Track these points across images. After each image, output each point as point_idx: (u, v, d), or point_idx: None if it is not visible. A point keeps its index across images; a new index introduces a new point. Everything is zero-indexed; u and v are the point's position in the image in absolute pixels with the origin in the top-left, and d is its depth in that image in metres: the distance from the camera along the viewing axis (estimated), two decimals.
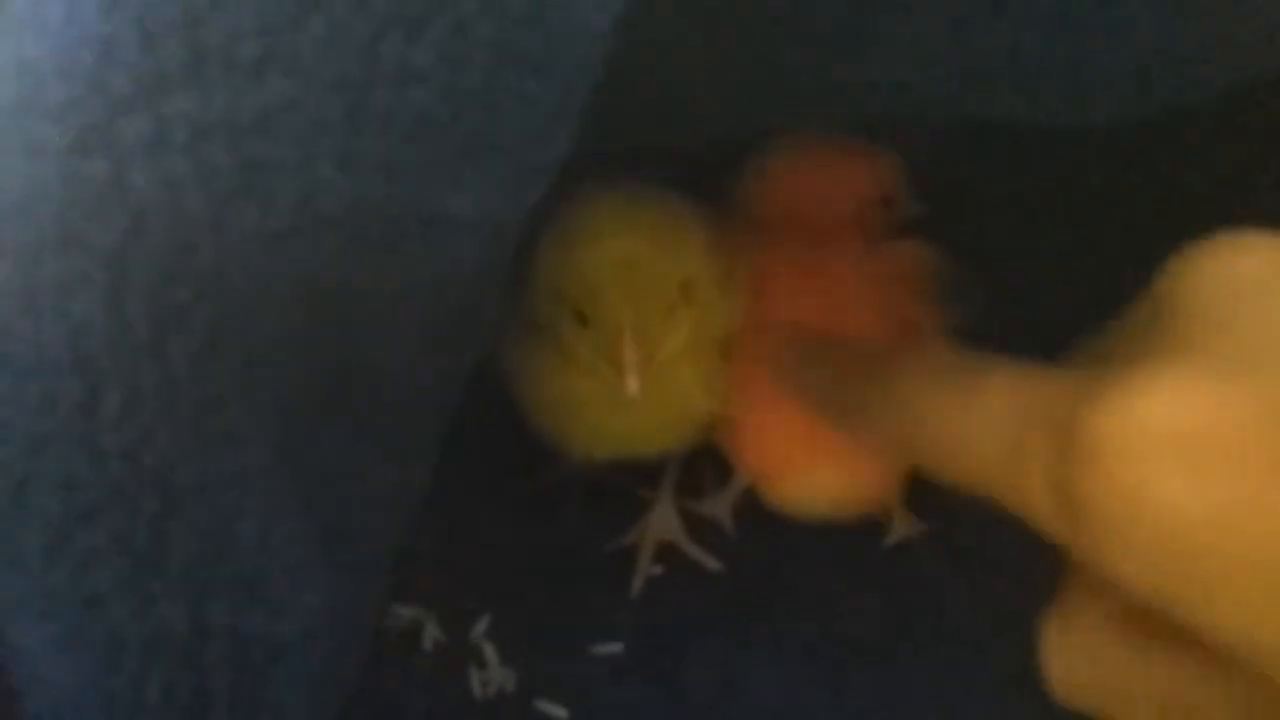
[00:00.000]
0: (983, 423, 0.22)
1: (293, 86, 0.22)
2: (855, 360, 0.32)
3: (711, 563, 0.43)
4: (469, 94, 0.24)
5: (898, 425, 0.26)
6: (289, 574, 0.29)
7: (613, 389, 0.36)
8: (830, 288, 0.40)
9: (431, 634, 0.41)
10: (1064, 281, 0.42)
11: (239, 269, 0.24)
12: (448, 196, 0.25)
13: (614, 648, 0.41)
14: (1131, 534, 0.19)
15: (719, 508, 0.45)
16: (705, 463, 0.45)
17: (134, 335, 0.24)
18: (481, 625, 0.41)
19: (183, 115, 0.22)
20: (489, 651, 0.41)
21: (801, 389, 0.36)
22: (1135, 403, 0.19)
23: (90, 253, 0.23)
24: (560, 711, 0.39)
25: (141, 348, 0.24)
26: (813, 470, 0.40)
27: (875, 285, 0.40)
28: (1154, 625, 0.21)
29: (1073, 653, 0.23)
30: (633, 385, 0.36)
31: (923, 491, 0.43)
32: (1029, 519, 0.21)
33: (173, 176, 0.23)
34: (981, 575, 0.42)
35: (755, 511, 0.43)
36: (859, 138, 0.42)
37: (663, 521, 0.44)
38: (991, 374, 0.23)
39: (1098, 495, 0.19)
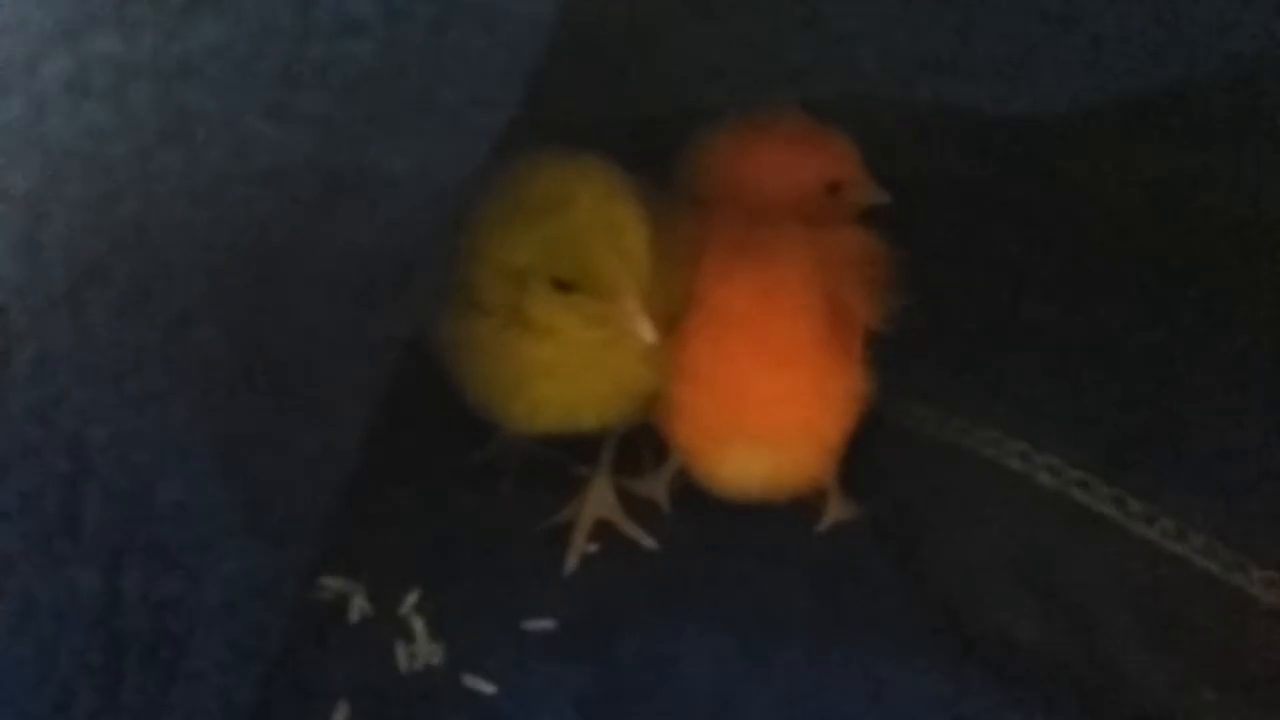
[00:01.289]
0: None
1: (224, 31, 0.21)
2: None
3: (647, 541, 0.43)
4: (411, 49, 0.23)
5: None
6: (208, 541, 0.28)
7: (586, 354, 0.37)
8: (765, 269, 0.40)
9: (359, 606, 0.40)
10: (1012, 271, 0.43)
11: (162, 222, 0.23)
12: (386, 156, 0.25)
13: (545, 624, 0.40)
14: None
15: (654, 487, 0.45)
16: (643, 442, 0.45)
17: (50, 287, 0.23)
18: (411, 599, 0.41)
19: (106, 57, 0.21)
20: (417, 625, 0.40)
21: None
22: None
23: (4, 199, 0.22)
24: (488, 687, 0.38)
25: (58, 301, 0.23)
26: (745, 450, 0.40)
27: (812, 270, 0.40)
28: None
29: None
30: (648, 332, 0.36)
31: (858, 474, 0.43)
32: None
33: (94, 122, 0.22)
34: (912, 556, 0.42)
35: (691, 492, 0.43)
36: (811, 118, 0.42)
37: (600, 499, 0.44)
38: None
39: None
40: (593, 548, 0.43)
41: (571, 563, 0.42)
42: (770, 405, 0.40)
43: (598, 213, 0.37)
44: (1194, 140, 0.37)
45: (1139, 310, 0.42)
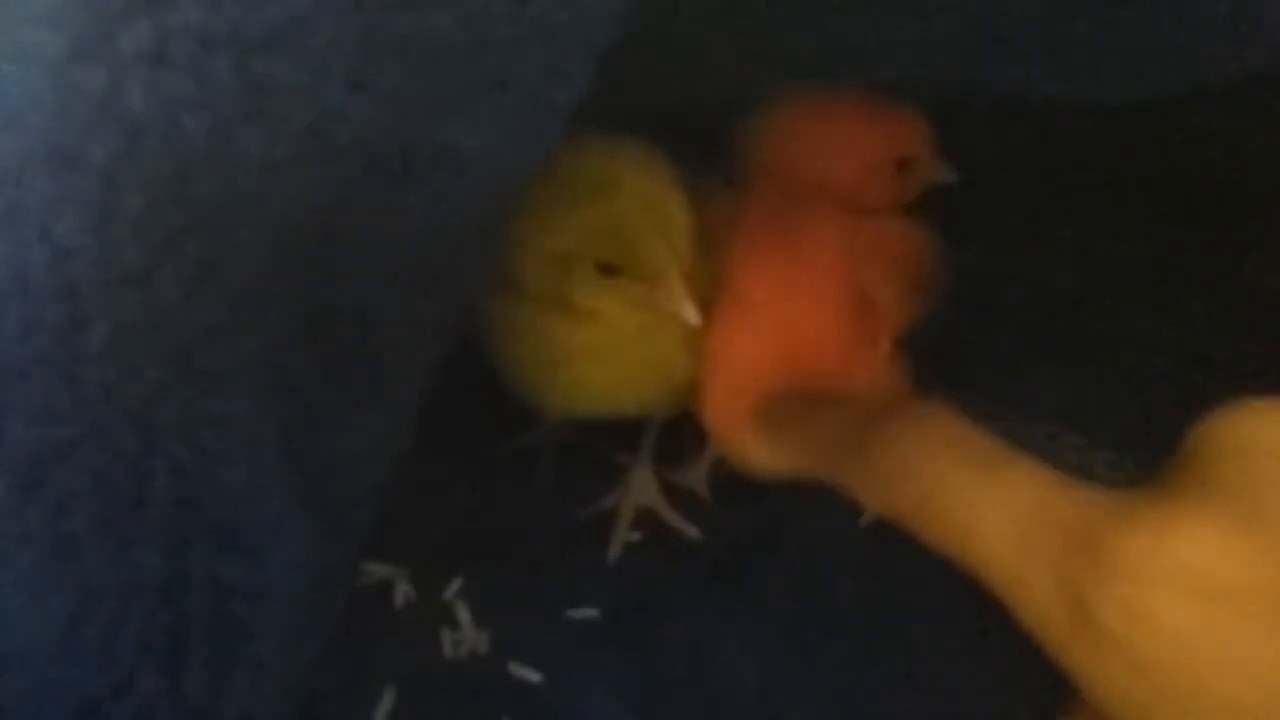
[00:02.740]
0: (1000, 507, 0.23)
1: (306, 2, 0.21)
2: (853, 418, 0.31)
3: (691, 530, 0.43)
4: (493, 22, 0.22)
5: (902, 491, 0.26)
6: (271, 523, 0.27)
7: (627, 338, 0.37)
8: (791, 258, 0.39)
9: (404, 592, 0.40)
10: (1075, 262, 0.42)
11: (237, 198, 0.23)
12: (462, 133, 0.24)
13: (589, 613, 0.40)
14: (1129, 652, 0.20)
15: (693, 476, 0.44)
16: (684, 430, 0.44)
17: (123, 262, 0.22)
18: (455, 585, 0.40)
19: (186, 27, 0.21)
20: (462, 612, 0.40)
21: (788, 443, 0.35)
22: (1161, 534, 0.20)
23: (80, 171, 0.22)
24: (533, 675, 0.38)
25: (130, 276, 0.23)
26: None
27: (840, 260, 0.39)
28: None
29: None
30: (692, 314, 0.36)
31: None
32: (1023, 612, 0.22)
33: (172, 94, 0.21)
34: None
35: (734, 481, 0.43)
36: (879, 98, 0.40)
37: (642, 487, 0.44)
38: (1014, 464, 0.24)
39: (1107, 607, 0.20)
40: (635, 536, 0.43)
41: (615, 551, 0.42)
42: None
43: (641, 197, 0.37)
44: (1261, 128, 0.37)
45: (1169, 294, 0.42)
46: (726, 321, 0.39)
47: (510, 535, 0.42)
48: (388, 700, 0.37)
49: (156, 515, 0.25)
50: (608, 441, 0.44)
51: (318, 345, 0.28)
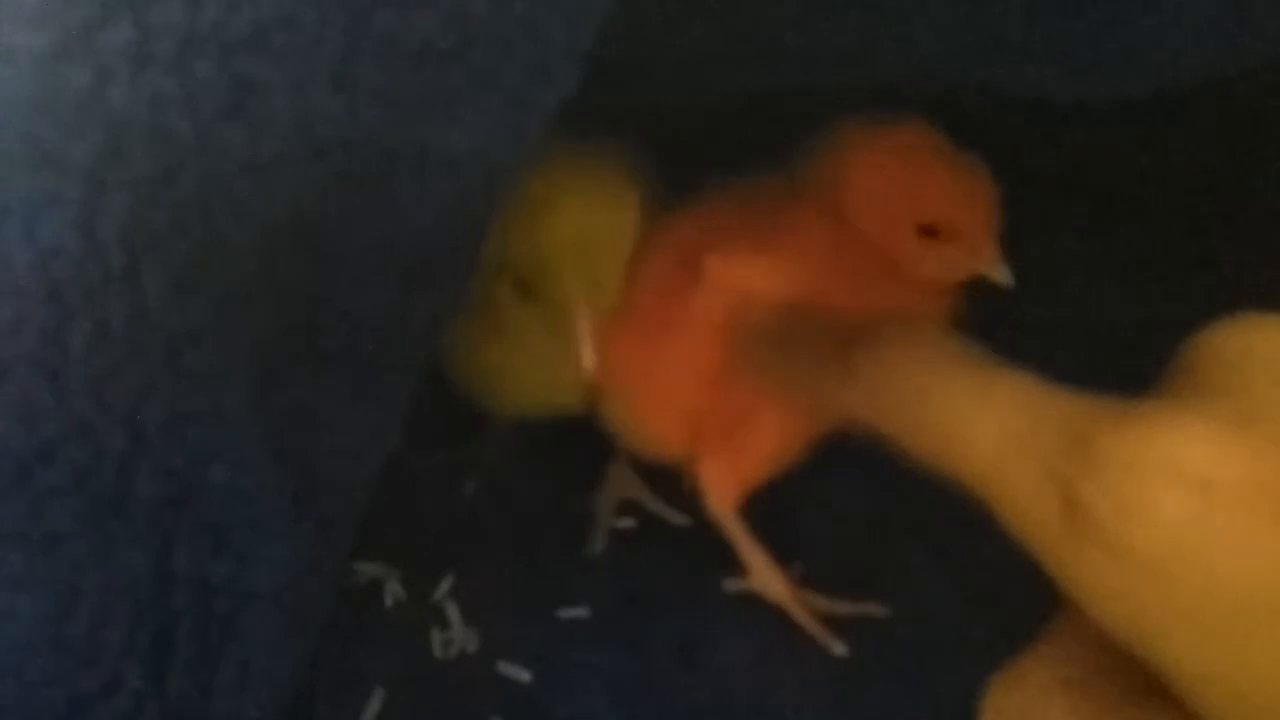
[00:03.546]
0: (989, 412, 0.23)
1: (289, 1, 0.21)
2: (844, 332, 0.31)
3: (676, 518, 0.43)
4: (476, 21, 0.22)
5: (889, 401, 0.26)
6: (258, 522, 0.27)
7: (549, 361, 0.36)
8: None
9: (393, 592, 0.40)
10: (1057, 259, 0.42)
11: (222, 197, 0.23)
12: (446, 133, 0.24)
13: (579, 612, 0.40)
14: (1121, 548, 0.19)
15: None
16: None
17: (107, 262, 0.22)
18: (445, 585, 0.40)
19: (169, 26, 0.21)
20: (452, 611, 0.40)
21: (775, 362, 0.35)
22: (1155, 428, 0.20)
23: (64, 171, 0.22)
24: (524, 674, 0.38)
25: (115, 276, 0.23)
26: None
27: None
28: (1103, 693, 0.21)
29: (1011, 714, 0.23)
30: (590, 359, 0.35)
31: (897, 469, 0.43)
32: (1012, 519, 0.22)
33: (156, 93, 0.21)
34: (954, 550, 0.41)
35: None
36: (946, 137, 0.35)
37: (620, 478, 0.43)
38: (1007, 372, 0.23)
39: (1099, 500, 0.20)
40: (629, 523, 0.42)
41: (597, 543, 0.42)
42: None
43: (574, 227, 0.36)
44: (1252, 131, 0.37)
45: (1165, 292, 0.42)
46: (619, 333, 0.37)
47: (498, 533, 0.42)
48: (376, 700, 0.37)
49: (142, 514, 0.25)
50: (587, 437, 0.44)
51: (305, 345, 0.28)
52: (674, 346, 0.37)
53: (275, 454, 0.28)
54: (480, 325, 0.38)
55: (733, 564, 0.41)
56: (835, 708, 0.39)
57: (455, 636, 0.39)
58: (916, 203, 0.35)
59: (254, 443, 0.27)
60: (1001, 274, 0.36)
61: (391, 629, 0.39)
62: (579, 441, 0.40)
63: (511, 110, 0.25)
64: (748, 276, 0.36)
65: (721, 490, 0.39)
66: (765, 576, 0.40)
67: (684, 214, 0.38)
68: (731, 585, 0.41)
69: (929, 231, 0.35)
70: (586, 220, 0.36)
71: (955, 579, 0.41)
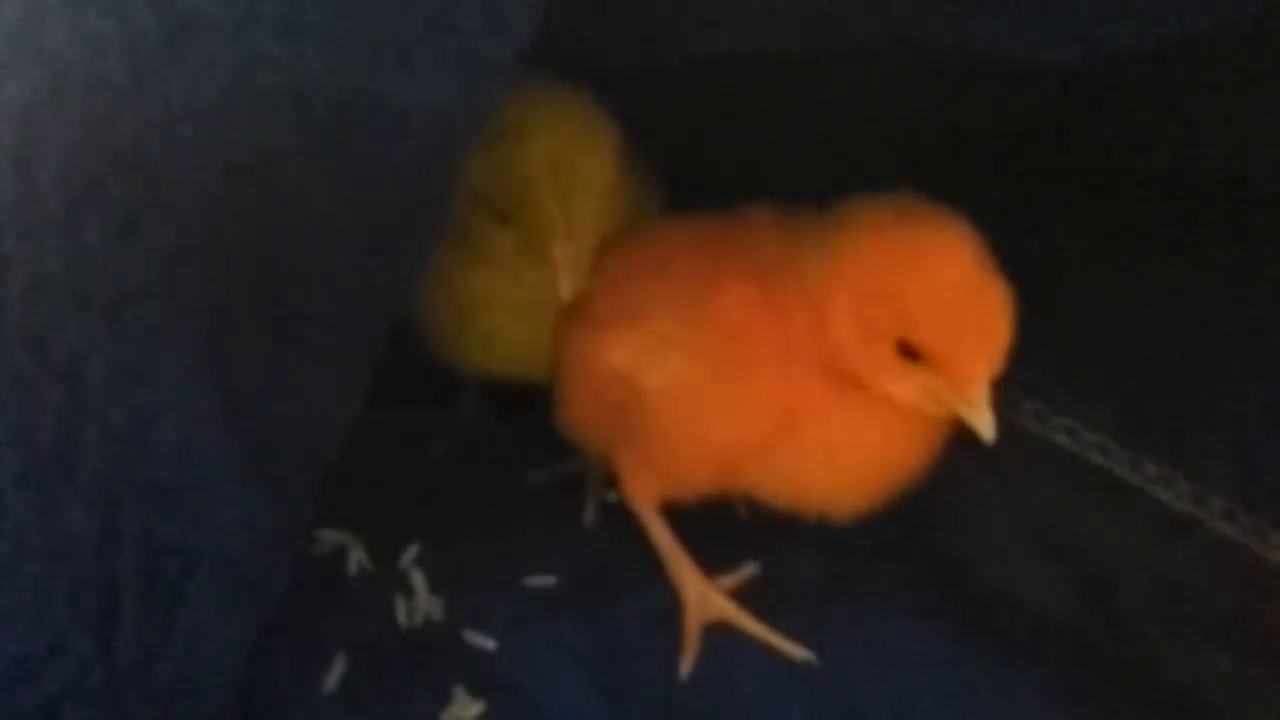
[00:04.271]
0: None
1: None
2: None
3: None
4: None
5: None
6: (208, 485, 0.27)
7: (532, 290, 0.36)
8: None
9: (358, 559, 0.40)
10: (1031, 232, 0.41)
11: (163, 143, 0.22)
12: (398, 84, 0.24)
13: (546, 580, 0.40)
14: None
15: None
16: None
17: (45, 208, 0.22)
18: (410, 552, 0.40)
19: None
20: (417, 579, 0.39)
21: None
22: None
23: None
24: (488, 643, 0.38)
25: (53, 222, 0.22)
26: None
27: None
28: None
29: None
30: (567, 284, 0.35)
31: None
32: None
33: (93, 33, 0.21)
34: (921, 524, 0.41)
35: None
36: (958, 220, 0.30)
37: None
38: None
39: None
40: (613, 498, 0.42)
41: (590, 514, 0.42)
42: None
43: (550, 152, 0.36)
44: (1227, 93, 0.36)
45: (1159, 274, 0.41)
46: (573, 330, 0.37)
47: (466, 501, 0.42)
48: (339, 667, 0.36)
49: (86, 473, 0.24)
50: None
51: (260, 305, 0.28)
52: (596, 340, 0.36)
53: (227, 415, 0.27)
54: (456, 257, 0.38)
55: (703, 541, 0.41)
56: (803, 681, 0.38)
57: (420, 604, 0.38)
58: (900, 311, 0.30)
59: (204, 403, 0.26)
60: (985, 427, 0.30)
61: (355, 596, 0.39)
62: (547, 408, 0.40)
63: (464, 62, 0.24)
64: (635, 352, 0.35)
65: (636, 485, 0.38)
66: (696, 589, 0.38)
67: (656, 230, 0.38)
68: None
69: (908, 351, 0.30)
70: (563, 149, 0.36)
71: (922, 550, 0.41)
